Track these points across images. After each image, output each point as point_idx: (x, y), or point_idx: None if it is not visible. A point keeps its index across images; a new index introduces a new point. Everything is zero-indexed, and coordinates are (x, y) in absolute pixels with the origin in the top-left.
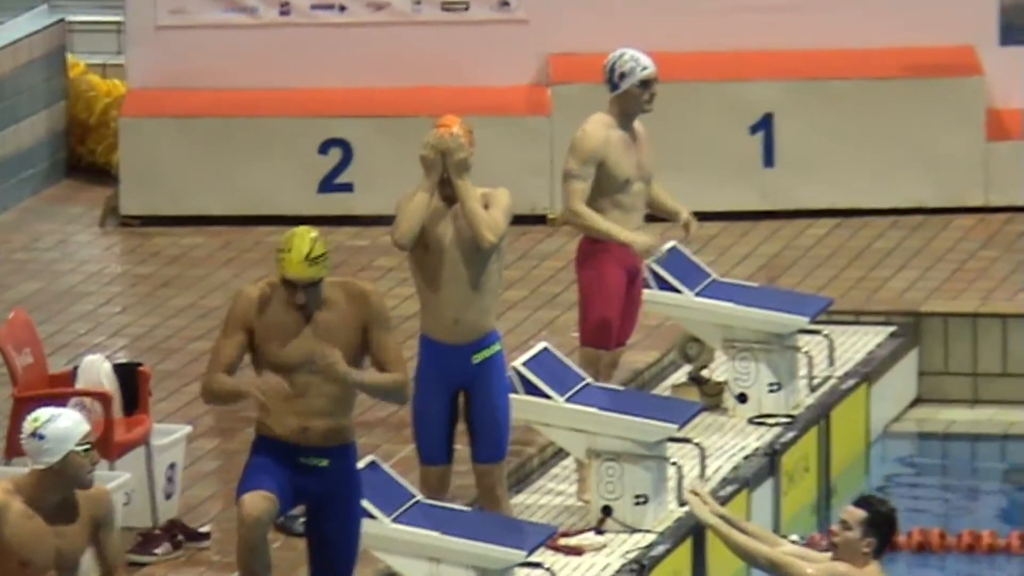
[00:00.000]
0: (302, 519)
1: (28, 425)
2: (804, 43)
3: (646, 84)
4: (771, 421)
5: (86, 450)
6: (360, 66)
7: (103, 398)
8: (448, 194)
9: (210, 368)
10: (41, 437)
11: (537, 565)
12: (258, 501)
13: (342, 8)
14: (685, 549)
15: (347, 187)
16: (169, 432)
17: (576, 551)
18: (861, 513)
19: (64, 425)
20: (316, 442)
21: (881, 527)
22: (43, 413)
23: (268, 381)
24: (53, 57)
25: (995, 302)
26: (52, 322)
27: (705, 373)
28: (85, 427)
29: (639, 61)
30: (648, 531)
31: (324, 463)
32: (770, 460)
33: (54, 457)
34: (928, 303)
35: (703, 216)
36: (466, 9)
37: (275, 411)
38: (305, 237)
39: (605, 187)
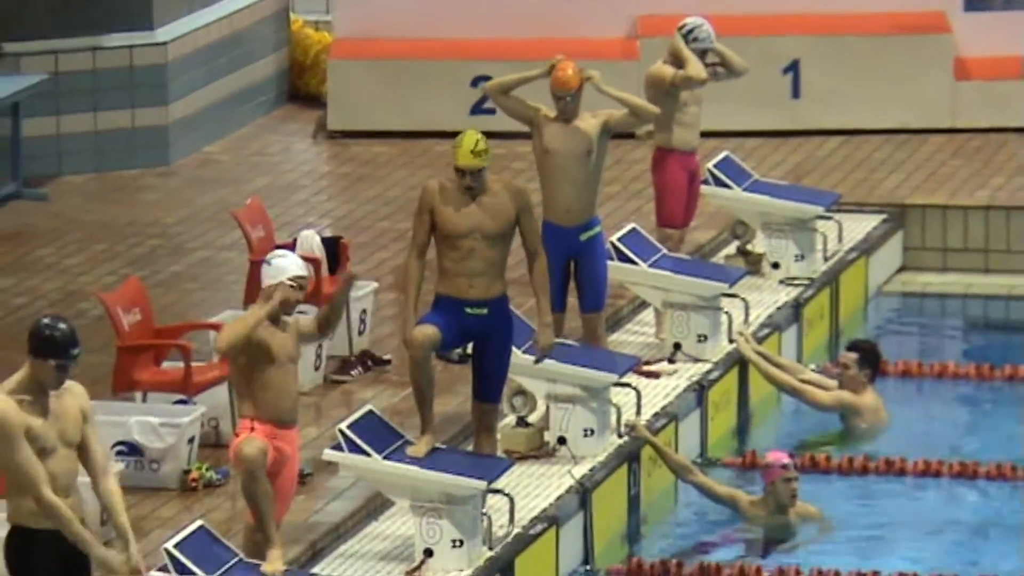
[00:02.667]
0: (458, 352)
1: (268, 256)
2: (822, 9)
3: (704, 53)
4: (796, 282)
5: (296, 287)
6: (500, 22)
7: (315, 262)
8: (567, 116)
9: (411, 246)
10: (268, 263)
11: (626, 385)
12: (424, 330)
13: None
14: (733, 375)
15: (491, 111)
16: (362, 287)
17: (655, 375)
18: (853, 355)
19: (285, 263)
20: (478, 296)
21: (870, 360)
22: (279, 251)
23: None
24: (280, 16)
25: (959, 197)
26: (277, 207)
27: (749, 247)
28: (302, 272)
29: (696, 24)
30: (707, 361)
31: (484, 311)
32: (795, 310)
33: (273, 280)
34: (911, 198)
35: (748, 134)
36: None
37: (446, 275)
38: (472, 135)
39: (668, 105)
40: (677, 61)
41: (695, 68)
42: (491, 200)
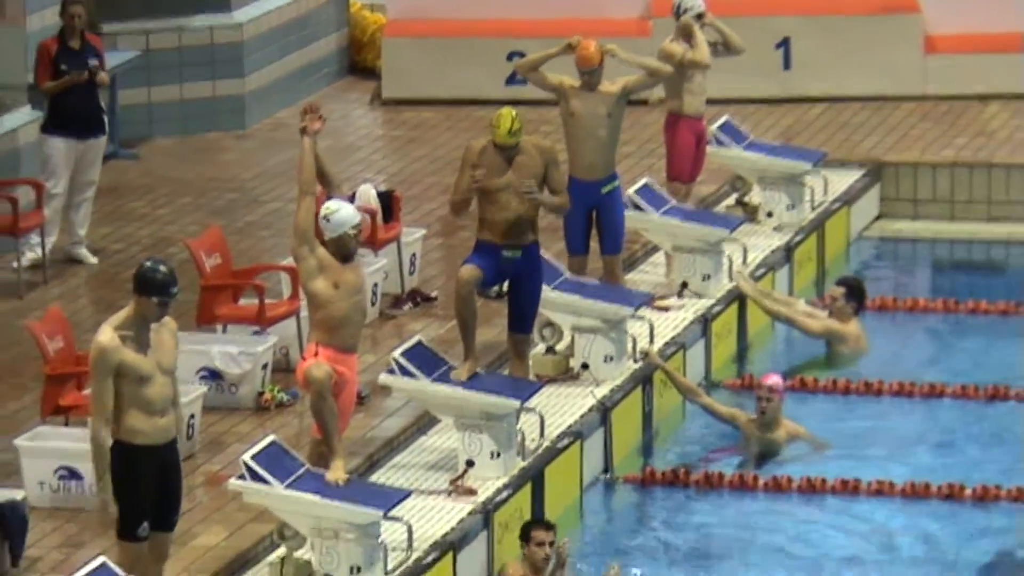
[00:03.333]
0: (495, 290)
1: (322, 212)
2: None
3: (699, 16)
4: (787, 228)
5: (355, 234)
6: (531, 4)
7: (371, 212)
8: (591, 86)
9: (454, 193)
10: (327, 220)
11: (641, 318)
12: (469, 270)
13: None
14: (733, 309)
15: (523, 82)
16: (412, 233)
17: (665, 309)
18: (841, 289)
19: (342, 215)
20: (513, 241)
21: (856, 294)
22: (332, 204)
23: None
24: (337, 10)
25: (928, 155)
26: (339, 165)
27: (746, 199)
28: (357, 217)
29: (694, 2)
30: (710, 297)
31: (518, 255)
32: (787, 253)
33: (335, 233)
34: (886, 156)
35: (746, 101)
36: None
37: (486, 223)
38: (508, 116)
39: (677, 77)
40: (687, 38)
41: (701, 54)
42: (523, 159)
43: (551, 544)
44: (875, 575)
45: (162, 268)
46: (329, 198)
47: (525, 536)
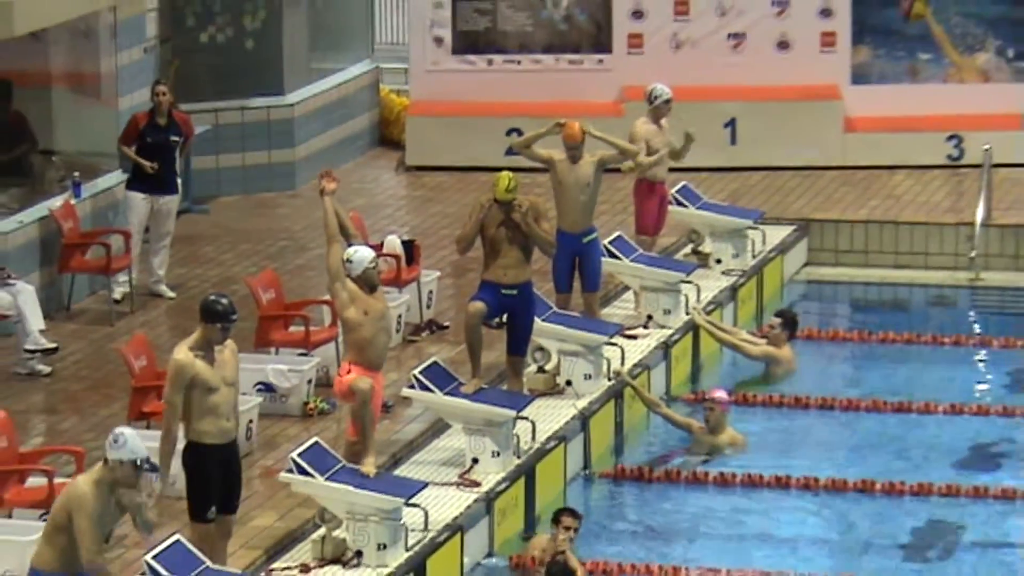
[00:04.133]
0: (496, 320)
1: (344, 256)
2: (752, 82)
3: (667, 102)
4: (733, 273)
5: (374, 267)
6: (526, 91)
7: (396, 258)
8: (574, 159)
9: (462, 233)
10: (350, 262)
11: (614, 344)
12: (475, 305)
13: (535, 59)
14: (689, 337)
15: (519, 153)
16: (429, 275)
17: (633, 337)
18: (778, 320)
19: (362, 254)
20: (511, 281)
21: (789, 324)
22: (350, 250)
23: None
24: (373, 85)
25: (847, 214)
26: (371, 218)
27: (700, 248)
28: (372, 254)
29: (664, 91)
30: (670, 327)
31: (515, 292)
32: (732, 292)
33: (358, 271)
34: (813, 214)
35: (700, 169)
36: (583, 63)
37: (488, 267)
38: (506, 177)
39: (649, 153)
40: (656, 120)
41: (664, 139)
42: (518, 213)
43: (576, 530)
44: (803, 552)
45: (223, 300)
46: (349, 245)
47: (556, 520)
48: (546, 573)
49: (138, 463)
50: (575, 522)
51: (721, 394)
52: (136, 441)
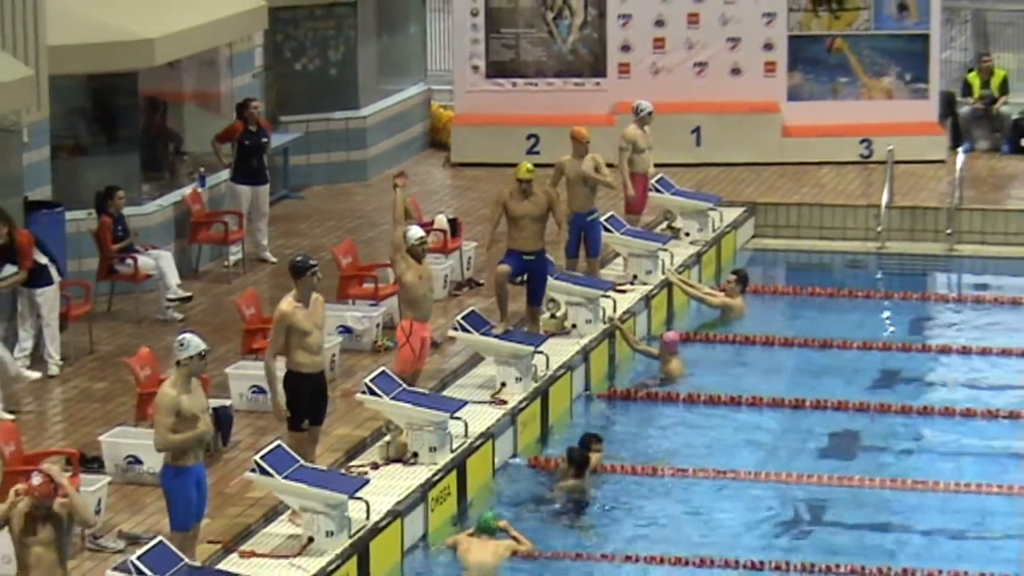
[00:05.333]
0: (519, 278)
1: (403, 233)
2: (712, 99)
3: (650, 114)
4: (698, 243)
5: (421, 243)
6: (540, 106)
7: (443, 232)
8: (580, 151)
9: (491, 214)
10: (407, 237)
11: (608, 296)
12: (502, 268)
13: (548, 82)
14: (665, 292)
15: (537, 152)
16: (468, 245)
17: (623, 291)
18: (734, 277)
19: (413, 232)
20: (529, 249)
21: (742, 280)
22: (408, 228)
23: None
24: (425, 102)
25: (785, 198)
26: (424, 202)
27: (673, 224)
28: (421, 233)
29: (647, 105)
30: (651, 285)
31: (533, 258)
32: (698, 257)
33: (410, 244)
34: (759, 199)
35: (674, 165)
36: (584, 85)
37: (512, 238)
38: (524, 164)
39: (635, 152)
40: (641, 125)
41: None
42: (535, 197)
43: (599, 452)
44: (745, 452)
45: (300, 257)
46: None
47: (586, 445)
48: (567, 455)
49: (202, 354)
50: (600, 445)
51: (671, 335)
52: (196, 339)
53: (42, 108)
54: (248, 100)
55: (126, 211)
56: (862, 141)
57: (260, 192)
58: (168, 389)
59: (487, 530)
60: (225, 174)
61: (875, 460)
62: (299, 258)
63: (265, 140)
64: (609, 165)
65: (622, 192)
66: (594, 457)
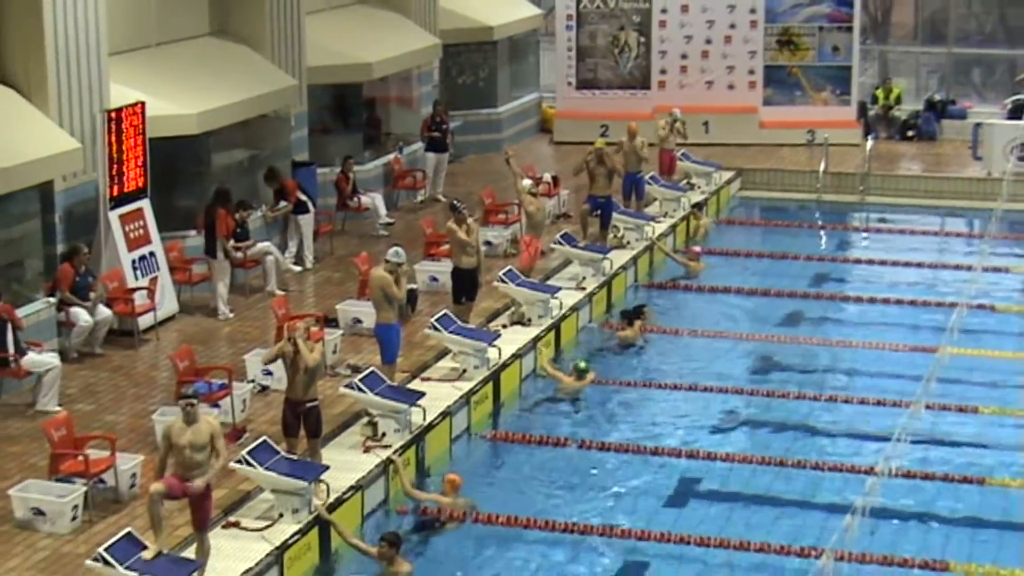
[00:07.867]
0: (595, 212)
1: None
2: (715, 104)
3: (676, 119)
4: (705, 192)
5: (529, 191)
6: (610, 107)
7: (548, 183)
8: (632, 135)
9: (576, 167)
10: (524, 184)
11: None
12: (584, 207)
13: (615, 92)
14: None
15: (607, 135)
16: (563, 192)
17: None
18: (696, 250)
19: (524, 183)
20: (601, 194)
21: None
22: (522, 182)
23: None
24: (538, 104)
25: (765, 165)
26: (537, 166)
27: (691, 181)
28: (531, 183)
29: (677, 112)
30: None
31: (604, 199)
32: (705, 202)
33: (525, 188)
34: (744, 166)
35: (691, 144)
36: (636, 94)
37: (591, 186)
38: (601, 140)
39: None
40: (671, 124)
41: (672, 134)
42: (606, 159)
43: (645, 317)
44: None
45: (455, 201)
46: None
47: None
48: (621, 316)
49: (400, 263)
50: (646, 311)
51: (695, 248)
52: (402, 251)
53: (303, 104)
54: (436, 102)
55: (356, 168)
56: (808, 131)
57: (442, 158)
58: (380, 272)
59: (581, 372)
60: (416, 145)
61: (817, 329)
62: (455, 201)
63: (445, 126)
64: (651, 145)
65: (655, 163)
66: (639, 322)
